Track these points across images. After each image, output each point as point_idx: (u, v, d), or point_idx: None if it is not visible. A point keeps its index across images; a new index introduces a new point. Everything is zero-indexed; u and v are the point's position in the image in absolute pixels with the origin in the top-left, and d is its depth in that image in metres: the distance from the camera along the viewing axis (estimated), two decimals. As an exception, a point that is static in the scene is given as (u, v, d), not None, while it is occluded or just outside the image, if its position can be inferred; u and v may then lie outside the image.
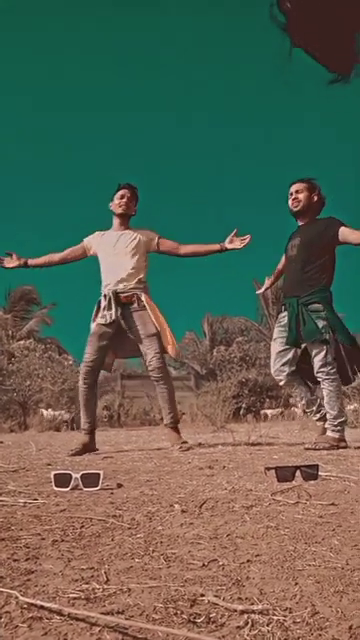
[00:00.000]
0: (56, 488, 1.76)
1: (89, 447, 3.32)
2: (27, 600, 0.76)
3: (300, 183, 3.41)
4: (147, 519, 1.31)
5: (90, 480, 1.76)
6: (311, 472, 1.84)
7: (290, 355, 3.37)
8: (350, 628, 0.68)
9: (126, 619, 0.71)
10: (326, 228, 3.28)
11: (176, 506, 1.45)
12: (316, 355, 3.19)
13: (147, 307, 3.44)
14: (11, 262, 3.64)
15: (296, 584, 0.83)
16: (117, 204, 3.59)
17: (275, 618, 0.70)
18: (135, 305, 3.45)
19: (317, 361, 3.18)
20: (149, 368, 3.41)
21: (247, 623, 0.69)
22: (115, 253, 3.51)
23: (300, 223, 3.45)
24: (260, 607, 0.73)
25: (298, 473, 1.83)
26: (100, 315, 3.44)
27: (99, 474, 1.77)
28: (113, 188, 3.63)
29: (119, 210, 3.58)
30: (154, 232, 3.62)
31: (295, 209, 3.41)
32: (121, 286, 3.46)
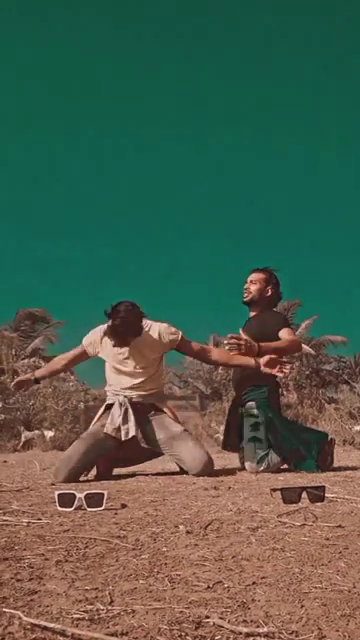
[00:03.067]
0: (60, 508, 1.75)
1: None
2: (31, 620, 0.76)
3: (258, 273, 3.31)
4: (151, 540, 1.30)
5: (94, 500, 1.75)
6: (318, 494, 1.82)
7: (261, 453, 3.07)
8: (357, 652, 0.67)
9: (130, 641, 0.70)
10: (268, 325, 3.15)
11: (181, 527, 1.44)
12: (247, 455, 3.08)
13: (166, 411, 3.00)
14: (23, 385, 3.31)
15: (302, 607, 0.82)
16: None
17: (281, 641, 0.69)
18: (152, 412, 2.97)
19: (248, 460, 3.07)
20: (192, 472, 2.79)
21: (253, 646, 0.68)
22: (127, 364, 2.95)
23: (251, 314, 3.36)
24: (266, 630, 0.72)
25: (304, 494, 1.81)
26: (110, 424, 2.85)
27: (103, 494, 1.76)
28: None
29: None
30: (173, 331, 2.98)
31: (244, 299, 3.32)
32: (136, 395, 2.94)
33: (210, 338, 21.12)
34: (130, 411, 2.86)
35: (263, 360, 2.94)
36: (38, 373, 3.36)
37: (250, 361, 2.97)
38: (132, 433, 2.82)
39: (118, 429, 2.83)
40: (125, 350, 2.92)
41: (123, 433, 2.82)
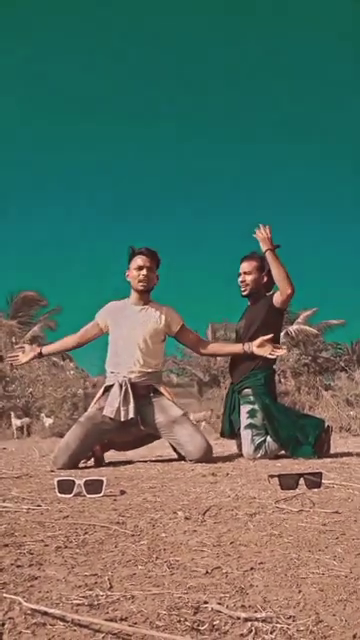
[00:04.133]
0: (59, 494, 1.76)
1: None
2: (31, 606, 0.76)
3: (250, 262, 3.27)
4: (150, 526, 1.31)
5: (93, 487, 1.76)
6: (315, 480, 1.83)
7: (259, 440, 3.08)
8: (354, 637, 0.68)
9: (129, 626, 0.71)
10: (263, 307, 3.18)
11: (179, 513, 1.45)
12: (245, 442, 3.08)
13: (165, 394, 2.99)
14: (25, 356, 3.21)
15: (300, 592, 0.83)
16: (136, 278, 3.05)
17: (279, 626, 0.70)
18: (151, 394, 2.96)
19: (245, 447, 3.07)
20: (191, 457, 2.82)
21: (250, 631, 0.69)
22: (130, 336, 3.00)
23: (249, 303, 3.36)
24: (263, 615, 0.73)
25: (302, 481, 1.83)
26: (109, 406, 2.85)
27: (102, 481, 1.77)
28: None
29: (140, 287, 3.05)
30: (177, 315, 3.12)
31: (244, 293, 3.31)
32: (135, 375, 2.94)
33: (208, 327, 21.15)
34: (130, 392, 2.85)
35: (255, 343, 3.02)
36: (46, 349, 3.30)
37: (239, 348, 3.09)
38: (131, 414, 2.81)
39: (117, 410, 2.82)
40: (138, 308, 3.06)
41: (122, 414, 2.82)
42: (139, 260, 3.06)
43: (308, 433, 3.02)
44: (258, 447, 3.03)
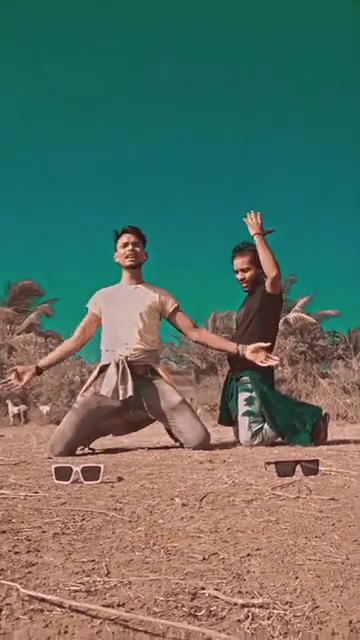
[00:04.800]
0: (57, 481, 1.76)
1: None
2: (28, 592, 0.77)
3: (243, 257, 3.26)
4: (148, 512, 1.32)
5: (91, 473, 1.76)
6: (311, 467, 1.84)
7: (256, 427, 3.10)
8: (350, 622, 0.68)
9: (127, 612, 0.71)
10: (258, 295, 3.20)
11: (177, 500, 1.46)
12: (242, 429, 3.10)
13: (163, 375, 2.95)
14: (20, 380, 2.96)
15: (296, 578, 0.84)
16: (123, 254, 3.03)
17: (275, 612, 0.71)
18: (149, 375, 2.91)
19: (242, 434, 3.09)
20: (189, 445, 2.82)
21: (247, 617, 0.69)
22: (126, 313, 2.97)
23: (248, 292, 3.37)
24: (260, 601, 0.74)
25: (298, 468, 1.84)
26: (106, 385, 2.80)
27: (100, 467, 1.78)
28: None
29: (127, 262, 3.02)
30: (172, 297, 3.10)
31: (245, 289, 3.32)
32: (132, 353, 2.89)
33: (210, 315, 21.15)
34: (127, 370, 2.80)
35: (250, 347, 2.96)
36: (43, 363, 3.09)
37: (232, 347, 3.02)
38: (130, 393, 2.76)
39: (115, 389, 2.77)
40: (131, 287, 3.04)
41: (121, 393, 2.77)
42: (124, 238, 3.03)
43: (305, 421, 3.04)
44: (255, 434, 3.04)
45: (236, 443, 3.20)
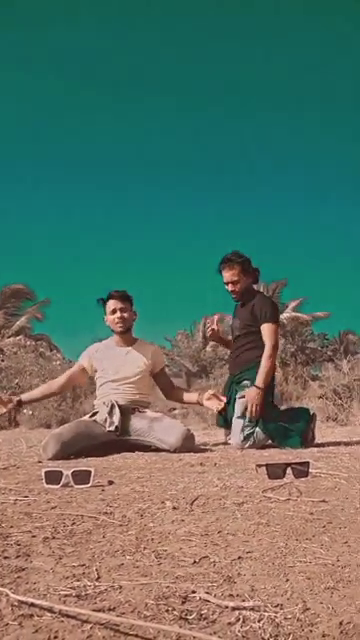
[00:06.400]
0: (47, 485, 1.75)
1: None
2: (18, 597, 0.76)
3: (232, 268, 3.26)
4: (138, 516, 1.31)
5: (81, 477, 1.75)
6: (302, 469, 1.85)
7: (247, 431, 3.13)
8: (340, 624, 0.68)
9: (117, 616, 0.70)
10: (256, 312, 3.23)
11: (167, 503, 1.45)
12: (234, 431, 3.13)
13: (147, 410, 3.12)
14: (3, 408, 3.08)
15: (287, 580, 0.84)
16: (112, 321, 3.15)
17: (266, 614, 0.71)
18: (137, 412, 3.06)
19: (234, 437, 3.12)
20: (173, 447, 2.84)
21: (238, 619, 0.69)
22: (119, 375, 3.11)
23: (240, 303, 3.38)
24: (251, 603, 0.74)
25: (289, 470, 1.84)
26: (99, 417, 2.98)
27: (90, 471, 1.77)
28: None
29: (118, 329, 3.16)
30: (161, 357, 3.35)
31: (235, 300, 3.35)
32: (122, 398, 3.06)
33: (201, 320, 21.19)
34: (116, 408, 2.97)
35: (206, 396, 3.19)
36: (26, 396, 3.25)
37: (194, 398, 3.30)
38: (116, 423, 2.93)
39: (105, 420, 2.95)
40: (124, 351, 3.17)
41: (108, 424, 2.94)
42: (111, 304, 3.17)
43: (295, 424, 3.06)
44: (247, 437, 3.06)
45: (226, 446, 3.21)
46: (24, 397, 3.22)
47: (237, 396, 3.19)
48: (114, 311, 3.15)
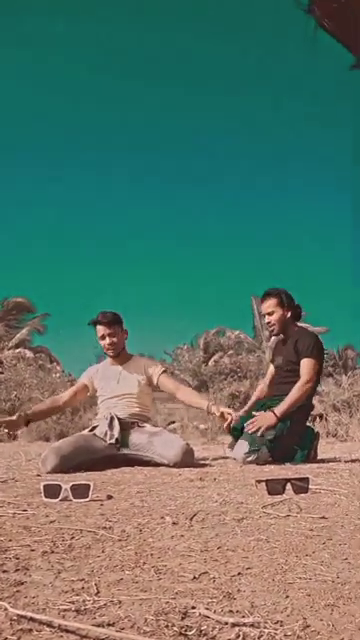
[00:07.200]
0: (45, 499, 1.74)
1: None
2: (17, 612, 0.76)
3: (269, 300, 3.32)
4: (137, 531, 1.31)
5: (80, 491, 1.74)
6: (302, 485, 1.84)
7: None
8: (341, 641, 0.68)
9: (117, 631, 0.70)
10: (299, 348, 3.22)
11: (167, 518, 1.45)
12: (241, 444, 3.09)
13: (147, 425, 3.15)
14: (14, 427, 3.18)
15: (287, 597, 0.84)
16: (104, 347, 3.24)
17: (266, 631, 0.70)
18: (137, 426, 3.10)
19: (239, 448, 3.07)
20: (172, 461, 2.83)
21: (238, 636, 0.69)
22: (116, 394, 3.18)
23: (280, 336, 3.42)
24: (251, 620, 0.73)
25: (289, 486, 1.83)
26: (99, 430, 3.01)
27: (89, 485, 1.76)
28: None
29: (109, 354, 3.26)
30: (157, 368, 3.32)
31: (274, 333, 3.40)
32: (121, 413, 3.09)
33: (203, 334, 21.21)
34: (116, 420, 2.99)
35: (218, 411, 3.11)
36: (31, 412, 3.29)
37: (204, 404, 3.25)
38: (116, 436, 2.94)
39: (105, 433, 2.97)
40: (118, 370, 3.23)
41: (108, 437, 2.97)
42: (99, 330, 3.22)
43: (303, 445, 3.07)
44: (251, 452, 3.04)
45: (226, 461, 3.19)
46: (30, 413, 3.25)
47: (254, 412, 3.20)
48: (103, 337, 3.22)
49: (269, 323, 3.34)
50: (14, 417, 3.14)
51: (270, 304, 3.33)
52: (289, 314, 3.32)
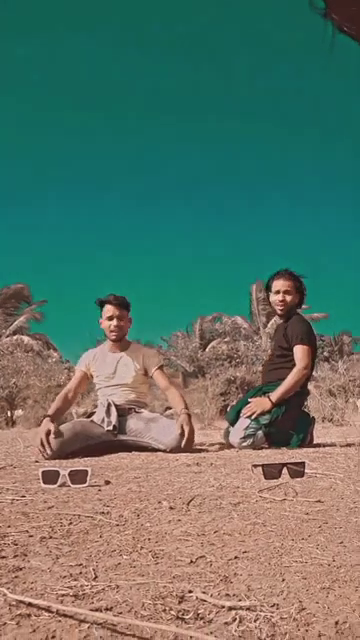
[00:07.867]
0: (44, 485, 1.75)
1: None
2: (15, 597, 0.76)
3: (288, 281, 3.28)
4: (135, 516, 1.32)
5: (78, 477, 1.75)
6: (297, 469, 1.85)
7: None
8: (336, 623, 0.69)
9: (115, 615, 0.71)
10: (287, 332, 3.22)
11: (164, 503, 1.46)
12: (238, 427, 3.13)
13: (144, 411, 3.16)
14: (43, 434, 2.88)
15: (283, 580, 0.84)
16: (108, 328, 3.18)
17: (262, 614, 0.71)
18: (134, 411, 3.11)
19: (235, 433, 3.11)
20: (170, 447, 2.86)
21: (235, 619, 0.70)
22: (114, 380, 3.17)
23: (279, 320, 3.42)
24: (248, 603, 0.74)
25: (285, 470, 1.85)
26: (96, 417, 3.04)
27: (87, 471, 1.77)
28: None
29: (112, 337, 3.20)
30: (156, 360, 3.29)
31: (280, 313, 3.33)
32: (118, 399, 3.11)
33: (197, 320, 21.22)
34: (113, 407, 3.01)
35: (180, 420, 3.01)
36: (51, 412, 3.05)
37: (177, 411, 3.16)
38: (114, 422, 2.96)
39: (102, 420, 2.99)
40: (117, 356, 3.20)
41: (106, 423, 2.98)
42: (109, 310, 3.18)
43: (299, 431, 3.09)
44: (247, 437, 3.06)
45: (223, 446, 3.21)
46: (52, 415, 3.01)
47: (250, 398, 3.21)
48: (110, 318, 3.17)
49: (283, 301, 3.29)
50: (47, 427, 2.84)
51: (289, 284, 3.29)
52: (297, 300, 3.32)
